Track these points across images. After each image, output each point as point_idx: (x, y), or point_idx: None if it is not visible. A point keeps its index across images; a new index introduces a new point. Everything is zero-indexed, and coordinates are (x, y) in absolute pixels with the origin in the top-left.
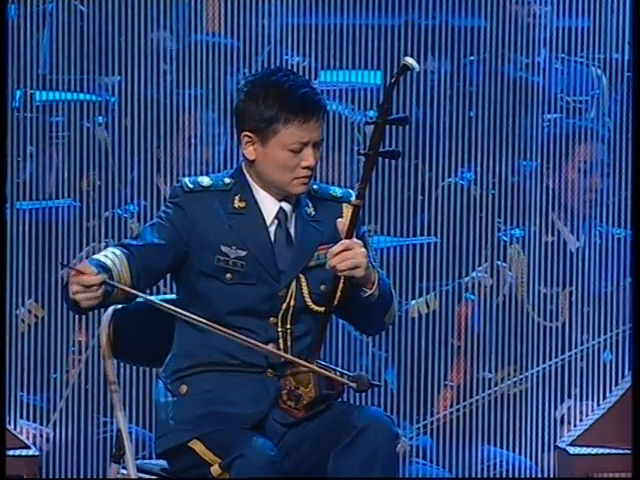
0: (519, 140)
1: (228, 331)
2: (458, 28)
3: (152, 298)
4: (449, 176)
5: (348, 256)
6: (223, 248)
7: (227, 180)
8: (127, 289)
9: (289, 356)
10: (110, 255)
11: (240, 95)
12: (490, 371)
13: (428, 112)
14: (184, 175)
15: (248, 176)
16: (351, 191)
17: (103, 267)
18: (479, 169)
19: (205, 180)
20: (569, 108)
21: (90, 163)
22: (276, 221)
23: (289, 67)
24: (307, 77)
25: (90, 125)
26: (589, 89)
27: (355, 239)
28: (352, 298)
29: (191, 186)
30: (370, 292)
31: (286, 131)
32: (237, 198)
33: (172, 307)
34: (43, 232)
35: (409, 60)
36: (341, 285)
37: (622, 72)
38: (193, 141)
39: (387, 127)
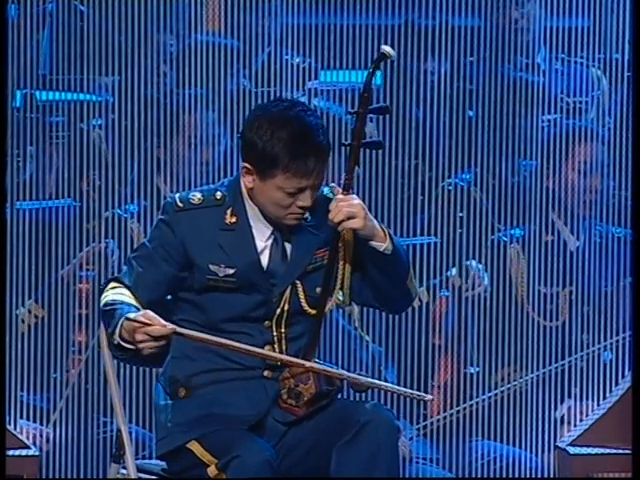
0: (519, 140)
1: (238, 345)
2: (458, 28)
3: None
4: (449, 176)
5: (342, 205)
6: (212, 267)
7: (219, 194)
8: (197, 335)
9: (288, 358)
10: (127, 295)
11: (249, 122)
12: (478, 365)
13: (428, 112)
14: (184, 175)
15: (244, 191)
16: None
17: (136, 307)
18: (479, 169)
19: (196, 197)
20: (569, 109)
21: (90, 163)
22: (272, 236)
23: (289, 67)
24: (307, 77)
25: (85, 127)
26: (589, 90)
27: (351, 195)
28: (369, 260)
29: (181, 205)
30: (384, 245)
31: (284, 177)
32: (229, 212)
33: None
34: (43, 232)
35: (386, 48)
36: (339, 281)
37: (622, 72)
38: (193, 141)
39: (386, 125)
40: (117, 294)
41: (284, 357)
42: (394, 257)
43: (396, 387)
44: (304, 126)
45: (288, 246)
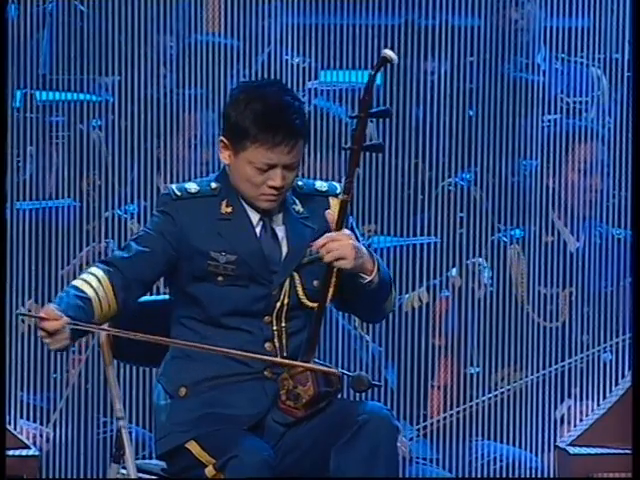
0: (519, 140)
1: (224, 350)
2: (458, 28)
3: (131, 334)
4: (449, 176)
5: (333, 247)
6: (212, 254)
7: (213, 185)
8: (92, 328)
9: (286, 361)
10: (92, 279)
11: (229, 97)
12: (478, 366)
13: (428, 112)
14: (184, 175)
15: (230, 176)
16: (335, 184)
17: (81, 297)
18: (479, 169)
19: (192, 186)
20: (569, 108)
21: (90, 163)
22: (261, 223)
23: (289, 67)
24: (307, 77)
25: (85, 127)
26: (589, 90)
27: (344, 230)
28: (352, 286)
29: (179, 193)
30: (369, 279)
31: (253, 149)
32: (224, 203)
33: (157, 338)
34: (43, 232)
35: (388, 52)
36: (334, 279)
37: (622, 72)
38: (193, 141)
39: (386, 125)
40: (79, 279)
41: (279, 360)
42: (377, 288)
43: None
44: (277, 102)
45: (279, 232)
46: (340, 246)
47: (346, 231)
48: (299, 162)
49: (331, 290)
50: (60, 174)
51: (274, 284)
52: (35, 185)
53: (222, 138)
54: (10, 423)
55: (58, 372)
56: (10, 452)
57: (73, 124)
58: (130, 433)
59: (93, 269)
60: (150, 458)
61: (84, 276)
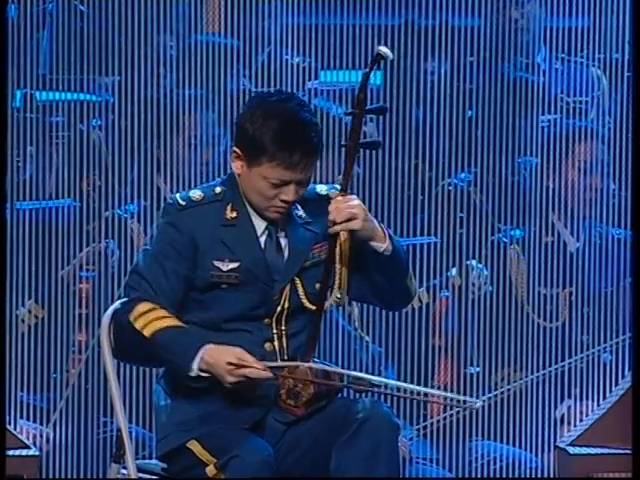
0: (519, 140)
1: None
2: (458, 28)
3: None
4: (449, 176)
5: (342, 208)
6: (216, 263)
7: (218, 189)
8: (288, 376)
9: (288, 363)
10: (176, 318)
11: (245, 108)
12: (478, 366)
13: (428, 112)
14: (184, 175)
15: (240, 184)
16: (337, 186)
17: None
18: (479, 169)
19: (196, 194)
20: (569, 108)
21: (90, 163)
22: (267, 231)
23: (289, 67)
24: (307, 77)
25: (85, 127)
26: (589, 89)
27: (351, 195)
28: (368, 259)
29: (183, 203)
30: (384, 247)
31: (269, 166)
32: (229, 208)
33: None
34: (43, 232)
35: (382, 49)
36: (337, 279)
37: (622, 72)
38: (193, 141)
39: (386, 125)
40: (166, 318)
41: (285, 375)
42: (393, 257)
43: (438, 392)
44: (296, 120)
45: (283, 241)
46: (349, 206)
47: (352, 195)
48: (312, 175)
49: (337, 286)
50: (60, 174)
51: (275, 290)
52: (35, 185)
53: (235, 149)
54: (10, 423)
55: (58, 372)
56: (10, 452)
57: (73, 124)
58: (130, 433)
59: (158, 311)
60: (150, 458)
61: (169, 318)
